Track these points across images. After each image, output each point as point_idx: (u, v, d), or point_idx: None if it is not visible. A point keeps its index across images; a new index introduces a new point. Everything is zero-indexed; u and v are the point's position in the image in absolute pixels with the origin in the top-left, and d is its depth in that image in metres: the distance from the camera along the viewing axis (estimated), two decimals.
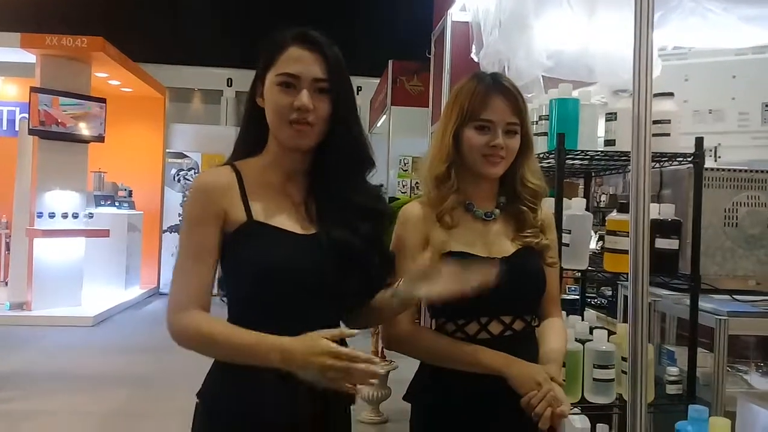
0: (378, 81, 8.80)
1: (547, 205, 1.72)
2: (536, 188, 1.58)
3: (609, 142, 2.15)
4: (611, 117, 2.14)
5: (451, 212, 1.54)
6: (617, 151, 2.12)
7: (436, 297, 1.35)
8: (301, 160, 1.42)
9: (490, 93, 1.54)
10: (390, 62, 7.34)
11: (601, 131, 2.22)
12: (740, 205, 2.62)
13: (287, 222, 1.37)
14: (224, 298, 1.40)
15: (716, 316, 2.24)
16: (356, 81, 8.11)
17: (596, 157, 2.18)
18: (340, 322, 1.39)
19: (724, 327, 2.22)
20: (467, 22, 3.82)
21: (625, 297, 3.06)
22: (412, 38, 9.24)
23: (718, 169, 2.62)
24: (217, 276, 1.38)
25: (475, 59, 3.51)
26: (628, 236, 2.10)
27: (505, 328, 1.54)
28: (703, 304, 2.27)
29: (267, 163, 1.42)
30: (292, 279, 1.33)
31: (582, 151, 2.09)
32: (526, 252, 1.57)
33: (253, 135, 1.44)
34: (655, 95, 2.20)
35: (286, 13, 10.57)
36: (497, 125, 1.53)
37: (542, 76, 2.76)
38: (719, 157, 3.00)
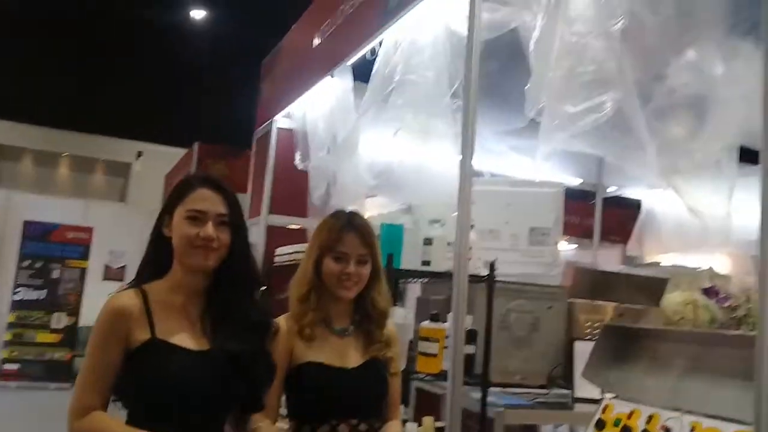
0: (163, 148, 8.72)
1: (392, 321, 2.07)
2: (383, 309, 1.93)
3: (425, 263, 2.59)
4: (428, 242, 2.59)
5: (312, 327, 1.83)
6: (433, 271, 2.57)
7: None
8: (202, 281, 1.65)
9: (345, 229, 1.89)
10: (196, 144, 7.42)
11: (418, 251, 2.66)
12: (511, 311, 3.19)
13: (186, 339, 1.59)
14: (118, 402, 1.57)
15: (495, 408, 2.70)
16: (138, 145, 8.04)
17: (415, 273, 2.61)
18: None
19: (501, 418, 2.69)
20: (291, 129, 4.19)
21: (416, 389, 3.48)
22: (219, 123, 9.46)
23: (496, 281, 3.19)
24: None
25: (300, 167, 3.86)
26: (438, 342, 2.54)
27: (352, 429, 1.82)
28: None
29: (170, 285, 1.65)
30: (188, 391, 1.55)
31: (407, 270, 2.51)
32: (372, 363, 1.89)
33: (158, 260, 1.67)
34: None
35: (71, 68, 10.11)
36: (350, 256, 1.86)
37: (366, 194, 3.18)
38: (496, 269, 3.63)
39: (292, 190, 3.94)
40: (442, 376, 2.54)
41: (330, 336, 1.88)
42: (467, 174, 2.09)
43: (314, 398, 1.80)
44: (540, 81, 2.16)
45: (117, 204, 11.32)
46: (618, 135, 2.21)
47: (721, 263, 4.20)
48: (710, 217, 2.26)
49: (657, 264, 4.80)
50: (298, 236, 3.84)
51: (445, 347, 2.60)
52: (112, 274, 9.31)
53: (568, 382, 3.07)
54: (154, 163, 11.44)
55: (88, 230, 8.56)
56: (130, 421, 1.55)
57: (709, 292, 3.43)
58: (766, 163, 1.15)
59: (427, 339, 2.54)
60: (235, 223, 1.66)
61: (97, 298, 9.02)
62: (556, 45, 2.04)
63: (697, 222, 3.14)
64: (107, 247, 9.19)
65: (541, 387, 3.12)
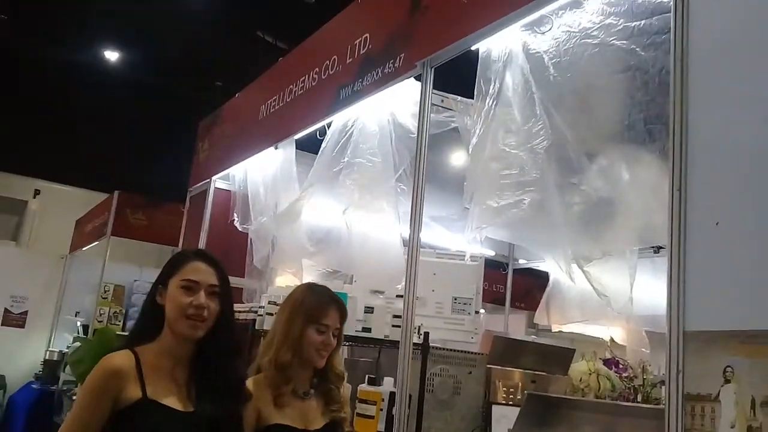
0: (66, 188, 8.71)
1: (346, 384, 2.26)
2: (342, 373, 2.13)
3: (366, 329, 2.82)
4: (369, 310, 2.82)
5: (284, 395, 1.99)
6: (373, 338, 2.80)
7: None
8: (189, 349, 1.80)
9: (330, 305, 2.08)
10: (116, 193, 7.35)
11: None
12: (435, 375, 3.43)
13: (173, 401, 1.73)
14: None
15: None
16: (36, 183, 7.92)
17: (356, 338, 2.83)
18: None
19: None
20: (228, 191, 4.35)
21: None
22: (142, 169, 9.36)
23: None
24: None
25: (238, 227, 4.02)
26: (375, 405, 2.74)
27: None
28: None
29: (160, 350, 1.79)
30: None
31: (351, 336, 2.72)
32: (332, 425, 2.07)
33: (150, 326, 1.81)
34: (397, 296, 2.97)
35: None
36: (330, 329, 2.06)
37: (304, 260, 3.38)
38: (421, 334, 3.88)
39: (227, 249, 4.07)
40: None
41: (294, 399, 2.03)
42: (415, 254, 2.37)
43: None
44: (474, 179, 2.49)
45: (19, 247, 10.76)
46: (538, 228, 2.56)
47: (616, 333, 4.64)
48: (614, 299, 2.63)
49: (560, 332, 5.22)
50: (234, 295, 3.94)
51: (381, 410, 2.82)
52: (12, 320, 8.85)
53: None
54: (54, 203, 11.10)
55: None
56: None
57: (609, 362, 3.83)
58: (671, 255, 1.45)
59: (365, 401, 2.74)
60: (224, 294, 1.83)
61: None
62: (488, 151, 2.38)
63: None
64: (8, 291, 8.76)
65: None
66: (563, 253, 2.46)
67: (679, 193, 1.49)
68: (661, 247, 4.08)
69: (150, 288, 1.86)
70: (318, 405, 2.09)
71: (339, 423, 2.10)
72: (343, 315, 2.11)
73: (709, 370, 1.31)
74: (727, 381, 1.28)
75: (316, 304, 2.08)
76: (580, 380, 3.61)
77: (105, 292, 8.63)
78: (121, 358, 1.74)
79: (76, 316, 8.69)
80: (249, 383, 2.00)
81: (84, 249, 8.77)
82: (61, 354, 8.32)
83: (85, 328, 8.24)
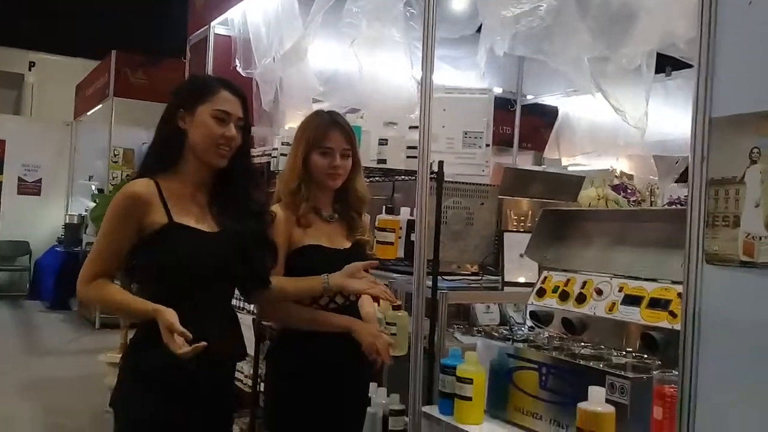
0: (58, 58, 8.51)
1: None
2: (363, 197, 2.16)
3: (381, 161, 2.83)
4: (383, 142, 2.82)
5: (306, 216, 2.04)
6: (389, 168, 2.81)
7: (358, 290, 1.99)
8: (210, 175, 1.82)
9: (330, 127, 2.08)
10: (113, 52, 7.15)
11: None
12: (448, 208, 3.51)
13: (198, 222, 1.78)
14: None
15: (440, 291, 3.05)
16: (30, 56, 7.82)
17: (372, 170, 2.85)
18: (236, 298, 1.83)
19: (445, 299, 3.05)
20: (229, 36, 4.21)
21: None
22: (137, 29, 9.04)
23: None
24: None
25: (241, 72, 3.93)
26: (394, 232, 2.82)
27: (345, 300, 2.10)
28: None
29: (179, 176, 1.80)
30: (203, 265, 1.74)
31: (366, 168, 2.73)
32: (358, 245, 2.15)
33: (169, 152, 1.79)
34: (410, 127, 2.95)
35: None
36: (335, 151, 2.06)
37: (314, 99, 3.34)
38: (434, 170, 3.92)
39: None
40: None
41: (320, 222, 2.10)
42: (429, 84, 2.30)
43: (316, 275, 2.00)
44: None
45: (23, 117, 10.72)
46: (555, 38, 2.48)
47: (624, 166, 4.67)
48: (630, 115, 2.61)
49: (567, 168, 5.27)
50: None
51: (399, 237, 2.90)
52: (27, 188, 9.00)
53: (497, 268, 3.45)
54: (51, 74, 10.92)
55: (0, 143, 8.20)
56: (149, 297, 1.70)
57: (617, 188, 3.90)
58: (701, 39, 1.39)
59: (384, 229, 2.81)
60: (246, 127, 1.83)
61: (13, 212, 8.85)
62: None
63: (609, 125, 3.51)
64: (18, 160, 8.84)
65: (474, 274, 3.49)
66: (581, 66, 2.40)
67: None
68: (674, 69, 4.01)
69: (164, 112, 1.81)
70: (342, 228, 2.15)
71: (363, 244, 2.18)
72: (347, 136, 2.10)
73: (735, 154, 1.31)
74: (753, 162, 1.28)
75: (316, 129, 2.08)
76: (589, 206, 3.69)
77: (115, 156, 8.70)
78: (143, 185, 1.75)
79: (89, 180, 8.81)
80: (275, 209, 2.05)
81: (89, 114, 8.70)
82: (80, 217, 8.54)
83: (100, 191, 8.39)
